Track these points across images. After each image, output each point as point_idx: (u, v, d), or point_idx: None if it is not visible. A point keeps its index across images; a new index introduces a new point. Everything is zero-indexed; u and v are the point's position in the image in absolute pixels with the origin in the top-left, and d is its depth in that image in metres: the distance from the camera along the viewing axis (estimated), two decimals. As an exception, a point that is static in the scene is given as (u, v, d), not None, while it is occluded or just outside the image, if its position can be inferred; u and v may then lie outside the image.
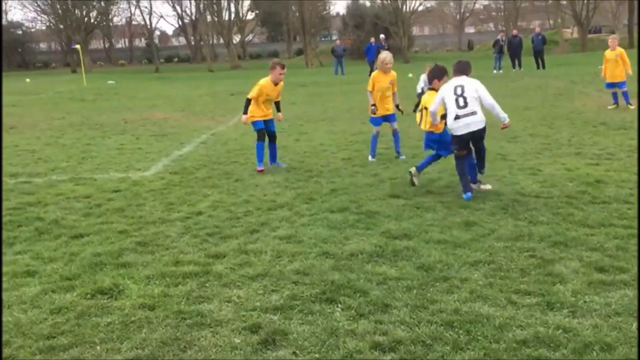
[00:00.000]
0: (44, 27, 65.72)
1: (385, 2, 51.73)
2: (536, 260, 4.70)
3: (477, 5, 74.01)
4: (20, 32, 66.44)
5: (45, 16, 59.67)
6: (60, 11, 55.67)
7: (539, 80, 22.11)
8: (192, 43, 69.88)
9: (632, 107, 13.12)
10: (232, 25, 59.58)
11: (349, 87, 23.18)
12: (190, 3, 60.30)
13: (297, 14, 51.67)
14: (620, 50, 13.66)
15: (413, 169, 7.32)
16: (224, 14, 55.98)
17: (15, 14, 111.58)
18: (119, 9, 66.00)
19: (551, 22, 66.52)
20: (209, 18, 55.91)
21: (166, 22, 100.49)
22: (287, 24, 61.97)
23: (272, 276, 4.57)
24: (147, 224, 6.07)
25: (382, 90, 8.94)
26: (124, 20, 72.00)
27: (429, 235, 5.38)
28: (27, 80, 37.26)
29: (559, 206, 6.16)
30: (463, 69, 6.81)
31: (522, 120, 12.36)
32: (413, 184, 7.23)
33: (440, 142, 7.18)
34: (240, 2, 62.58)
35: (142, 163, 9.48)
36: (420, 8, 55.52)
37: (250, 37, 74.29)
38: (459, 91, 6.57)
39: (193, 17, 63.25)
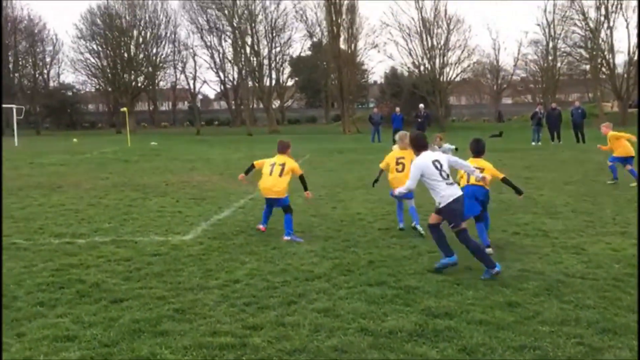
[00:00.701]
0: (93, 90, 68.71)
1: (422, 72, 52.59)
2: (584, 347, 4.53)
3: (514, 77, 74.42)
4: (70, 93, 69.59)
5: (95, 79, 62.56)
6: (109, 75, 58.39)
7: (579, 154, 21.89)
8: (233, 107, 71.89)
9: (609, 182, 13.81)
10: (272, 91, 61.28)
11: (386, 154, 23.26)
12: (233, 69, 62.48)
13: (336, 82, 52.85)
14: (611, 133, 14.28)
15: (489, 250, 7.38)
16: (265, 80, 57.78)
17: (68, 76, 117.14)
18: (165, 74, 68.77)
19: (590, 95, 66.34)
20: (250, 84, 57.68)
21: (209, 87, 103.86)
22: (326, 91, 63.35)
23: (310, 352, 4.49)
24: (185, 291, 6.10)
25: None
26: (169, 84, 74.86)
27: (471, 315, 5.24)
28: (74, 140, 38.69)
29: (605, 289, 5.96)
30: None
31: (563, 195, 12.17)
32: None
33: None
34: (281, 69, 64.72)
35: (181, 227, 9.61)
36: (457, 79, 56.15)
37: (289, 102, 76.18)
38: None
39: (235, 83, 65.32)
